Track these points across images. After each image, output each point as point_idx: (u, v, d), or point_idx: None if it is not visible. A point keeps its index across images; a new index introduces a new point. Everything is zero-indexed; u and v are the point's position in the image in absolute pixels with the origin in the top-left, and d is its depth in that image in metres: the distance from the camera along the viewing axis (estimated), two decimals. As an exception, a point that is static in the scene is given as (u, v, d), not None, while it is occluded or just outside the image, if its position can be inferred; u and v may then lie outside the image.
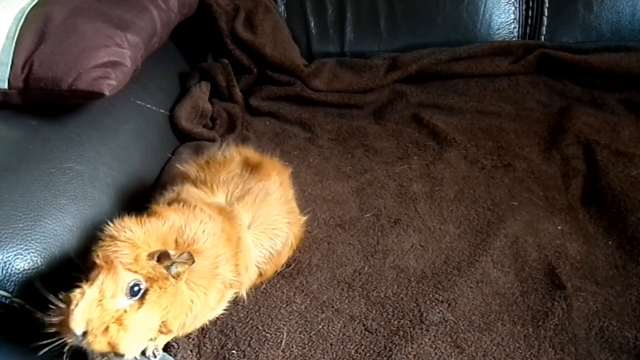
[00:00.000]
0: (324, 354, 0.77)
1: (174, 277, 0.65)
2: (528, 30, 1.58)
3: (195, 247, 0.69)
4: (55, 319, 0.60)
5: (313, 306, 0.84)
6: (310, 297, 0.86)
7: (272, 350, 0.78)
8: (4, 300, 0.72)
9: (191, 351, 0.78)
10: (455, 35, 1.54)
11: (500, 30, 1.57)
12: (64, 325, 0.59)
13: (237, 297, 0.82)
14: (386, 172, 1.14)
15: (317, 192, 1.09)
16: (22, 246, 0.76)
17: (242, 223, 0.80)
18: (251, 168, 0.87)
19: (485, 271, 0.88)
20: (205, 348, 0.79)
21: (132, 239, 0.64)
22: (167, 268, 0.65)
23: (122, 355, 0.60)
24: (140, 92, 1.24)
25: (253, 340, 0.79)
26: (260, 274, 0.86)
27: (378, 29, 1.56)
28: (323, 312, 0.83)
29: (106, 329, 0.59)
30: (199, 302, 0.70)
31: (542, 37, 1.56)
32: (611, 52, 1.42)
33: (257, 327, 0.81)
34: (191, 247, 0.69)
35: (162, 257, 0.64)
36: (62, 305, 0.60)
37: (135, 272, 0.62)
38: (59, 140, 0.95)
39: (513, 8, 1.56)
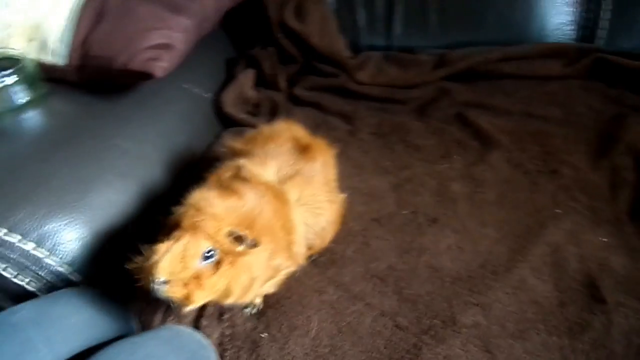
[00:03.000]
0: (352, 347, 0.77)
1: (242, 256, 0.71)
2: (585, 33, 1.51)
3: (264, 236, 0.74)
4: (138, 265, 0.68)
5: (344, 298, 0.85)
6: (342, 289, 0.86)
7: (301, 338, 0.79)
8: (52, 267, 0.75)
9: (223, 333, 0.80)
10: (507, 35, 1.50)
11: (555, 32, 1.51)
12: (146, 272, 0.66)
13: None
14: (426, 169, 1.12)
15: (354, 185, 1.08)
16: (69, 217, 0.79)
17: (291, 200, 0.82)
18: (300, 148, 0.90)
19: (522, 278, 0.86)
20: (236, 329, 0.81)
21: (216, 214, 0.70)
22: (238, 247, 0.71)
23: (186, 306, 0.67)
24: (188, 76, 1.26)
25: (284, 326, 0.80)
26: (310, 248, 0.89)
27: (427, 25, 1.53)
28: (354, 305, 0.83)
29: (185, 284, 0.66)
30: (255, 278, 0.76)
31: (600, 41, 1.49)
32: (674, 61, 1.35)
33: (288, 314, 0.82)
34: (261, 234, 0.73)
35: (238, 238, 0.70)
36: (148, 254, 0.67)
37: (214, 243, 0.69)
38: (110, 118, 0.98)
39: (570, 9, 1.50)
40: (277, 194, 0.80)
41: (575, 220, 0.97)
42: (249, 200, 0.74)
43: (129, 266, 0.68)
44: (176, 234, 0.68)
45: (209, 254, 0.69)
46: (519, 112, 1.30)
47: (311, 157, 0.89)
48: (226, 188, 0.75)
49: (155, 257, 0.66)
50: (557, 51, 1.44)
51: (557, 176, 1.09)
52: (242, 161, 0.83)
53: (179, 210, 0.71)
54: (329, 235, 0.92)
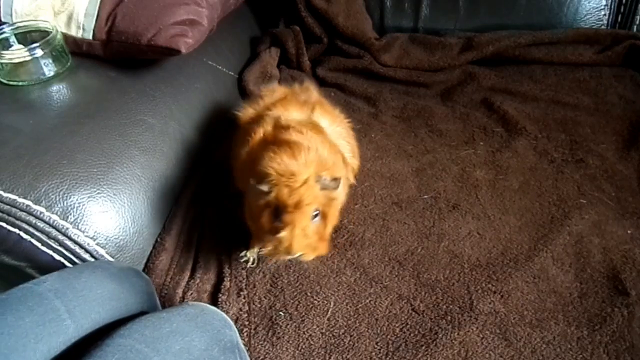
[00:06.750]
0: (368, 328, 0.78)
1: (335, 199, 0.81)
2: (619, 19, 1.46)
3: (335, 167, 0.82)
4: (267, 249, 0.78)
5: (362, 280, 0.85)
6: (360, 271, 0.86)
7: (317, 317, 0.79)
8: (76, 239, 0.77)
9: (240, 309, 0.82)
10: (538, 18, 1.46)
11: (588, 17, 1.46)
12: (277, 251, 0.77)
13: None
14: (449, 155, 1.11)
15: (376, 168, 1.08)
16: (95, 189, 0.81)
17: (324, 127, 0.89)
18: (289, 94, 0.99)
19: (543, 267, 0.85)
20: (254, 305, 0.82)
21: (309, 181, 0.76)
22: (330, 193, 0.79)
23: (313, 257, 0.80)
24: (213, 53, 1.26)
25: (300, 305, 0.81)
26: (352, 168, 0.98)
27: (456, 6, 1.49)
28: (371, 287, 0.84)
29: (311, 245, 0.78)
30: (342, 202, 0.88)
31: (635, 27, 1.44)
32: None
33: (306, 293, 0.83)
34: (333, 168, 0.81)
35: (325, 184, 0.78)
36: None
37: (316, 205, 0.77)
38: (135, 93, 0.99)
39: (605, -7, 1.45)
40: (315, 127, 0.87)
41: (600, 211, 0.95)
42: (311, 145, 0.79)
43: (265, 252, 0.78)
44: (287, 217, 0.75)
45: (316, 214, 0.77)
46: (546, 99, 1.28)
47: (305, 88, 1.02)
48: (282, 144, 0.79)
49: (285, 244, 0.75)
50: (589, 37, 1.40)
51: (584, 165, 1.06)
52: (273, 112, 0.89)
53: (266, 185, 0.76)
54: (357, 150, 1.01)
